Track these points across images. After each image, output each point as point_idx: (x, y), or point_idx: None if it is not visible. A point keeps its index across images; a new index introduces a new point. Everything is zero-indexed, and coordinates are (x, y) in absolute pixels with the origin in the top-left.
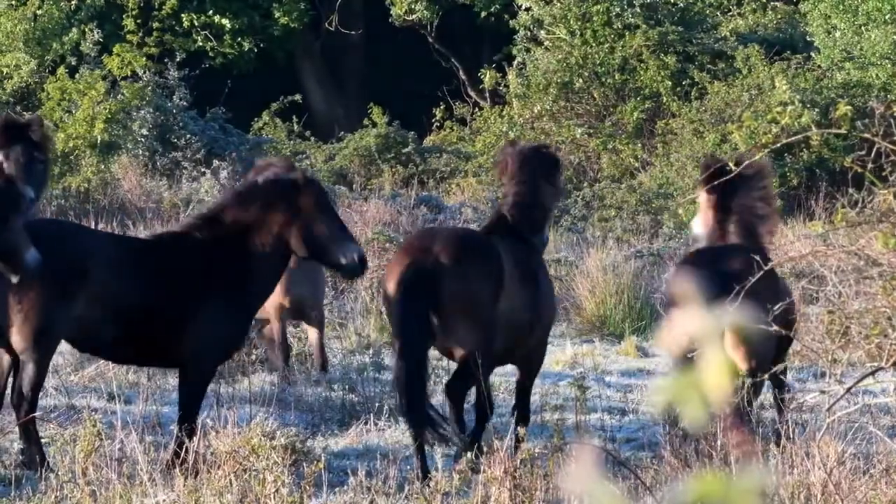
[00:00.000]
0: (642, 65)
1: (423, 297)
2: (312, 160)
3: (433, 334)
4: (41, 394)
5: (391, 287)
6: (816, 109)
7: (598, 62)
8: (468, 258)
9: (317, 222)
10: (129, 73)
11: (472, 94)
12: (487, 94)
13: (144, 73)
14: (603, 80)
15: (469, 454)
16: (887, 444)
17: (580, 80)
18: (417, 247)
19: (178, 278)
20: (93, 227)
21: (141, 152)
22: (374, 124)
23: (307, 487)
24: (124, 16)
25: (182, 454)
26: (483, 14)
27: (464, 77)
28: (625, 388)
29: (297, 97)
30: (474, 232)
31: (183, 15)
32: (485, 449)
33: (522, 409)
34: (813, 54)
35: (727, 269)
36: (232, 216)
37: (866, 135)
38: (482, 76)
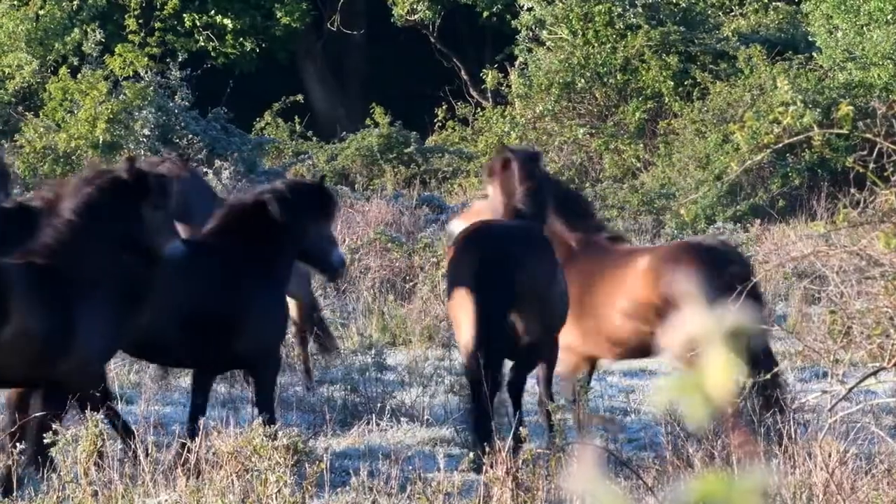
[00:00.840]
0: (644, 65)
1: (501, 289)
2: (314, 160)
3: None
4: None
5: (463, 281)
6: (818, 110)
7: (599, 62)
8: (534, 245)
9: (326, 228)
10: (131, 73)
11: (474, 94)
12: (489, 95)
13: (146, 73)
14: (605, 80)
15: (471, 454)
16: (889, 444)
17: (582, 81)
18: (482, 238)
19: (229, 277)
20: None
21: (143, 152)
22: (376, 124)
23: (309, 487)
24: (126, 16)
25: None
26: (485, 14)
27: (466, 77)
28: (627, 389)
29: (299, 97)
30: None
31: (185, 15)
32: (486, 449)
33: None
34: (815, 54)
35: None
36: (262, 215)
37: (868, 135)
38: (484, 76)
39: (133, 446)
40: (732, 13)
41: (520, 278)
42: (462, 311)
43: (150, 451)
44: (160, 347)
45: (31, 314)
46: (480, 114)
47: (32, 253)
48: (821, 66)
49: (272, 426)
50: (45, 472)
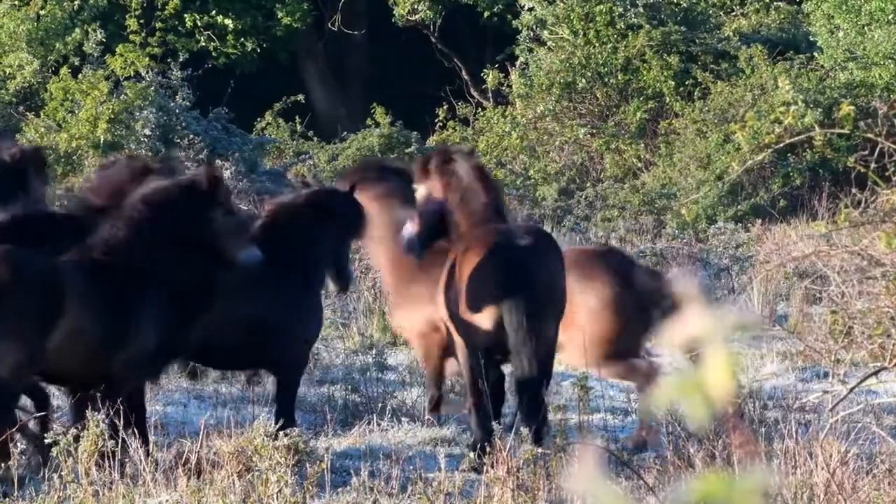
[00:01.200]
0: (645, 65)
1: (526, 294)
2: (315, 160)
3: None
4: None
5: (488, 283)
6: (819, 109)
7: (601, 62)
8: (551, 249)
9: (352, 241)
10: (132, 73)
11: (475, 94)
12: (490, 95)
13: (147, 73)
14: (606, 80)
15: (472, 454)
16: (890, 444)
17: (583, 81)
18: (500, 243)
19: (278, 279)
20: None
21: (144, 152)
22: (377, 124)
23: (310, 487)
24: (127, 16)
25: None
26: (486, 14)
27: (467, 77)
28: (628, 389)
29: (300, 97)
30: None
31: (186, 15)
32: (487, 448)
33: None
34: (816, 54)
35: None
36: (303, 219)
37: (869, 135)
38: (485, 76)
39: (136, 447)
40: (733, 13)
41: (550, 283)
42: (481, 313)
43: (150, 451)
44: (214, 351)
45: (86, 313)
46: (481, 114)
47: (90, 250)
48: (822, 66)
49: (288, 429)
50: (46, 471)
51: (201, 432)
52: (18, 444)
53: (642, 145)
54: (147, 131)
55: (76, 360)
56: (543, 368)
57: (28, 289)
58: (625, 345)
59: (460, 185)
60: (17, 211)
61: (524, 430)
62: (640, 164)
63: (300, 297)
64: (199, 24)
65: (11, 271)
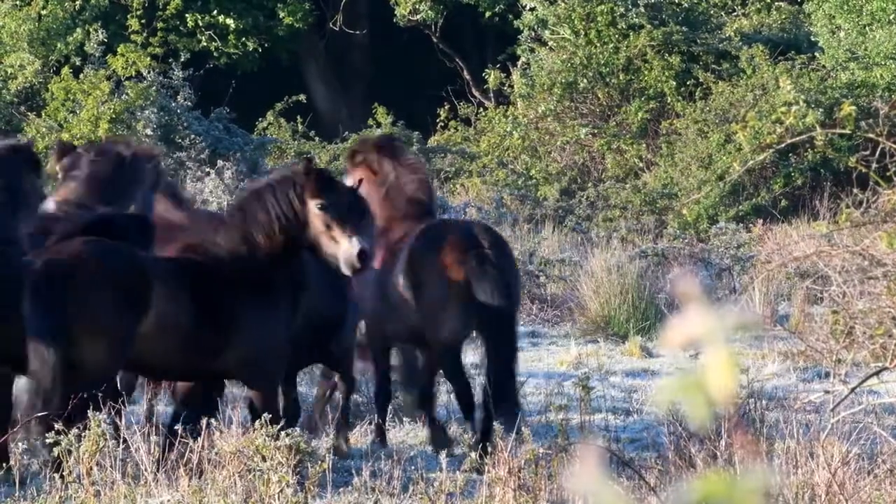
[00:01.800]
0: (646, 65)
1: (503, 293)
2: (317, 160)
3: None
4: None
5: (454, 279)
6: (821, 110)
7: (602, 62)
8: (506, 246)
9: None
10: (134, 73)
11: (476, 94)
12: (492, 95)
13: (149, 73)
14: (607, 80)
15: (474, 454)
16: (892, 444)
17: (584, 81)
18: (470, 243)
19: (335, 275)
20: None
21: None
22: (379, 124)
23: (311, 487)
24: (128, 16)
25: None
26: (487, 14)
27: (468, 77)
28: (629, 389)
29: (302, 97)
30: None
31: (187, 15)
32: (489, 449)
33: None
34: (817, 54)
35: None
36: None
37: (871, 135)
38: (486, 76)
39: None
40: (735, 13)
41: (513, 279)
42: (449, 308)
43: (152, 450)
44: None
45: (172, 306)
46: (483, 114)
47: (186, 248)
48: (823, 66)
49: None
50: (48, 471)
51: (203, 432)
52: (19, 444)
53: (644, 145)
54: (149, 131)
55: (166, 356)
56: (514, 358)
57: (113, 279)
58: None
59: (386, 178)
60: (110, 211)
61: (525, 430)
62: (641, 164)
63: (347, 290)
64: (201, 23)
65: (96, 262)
